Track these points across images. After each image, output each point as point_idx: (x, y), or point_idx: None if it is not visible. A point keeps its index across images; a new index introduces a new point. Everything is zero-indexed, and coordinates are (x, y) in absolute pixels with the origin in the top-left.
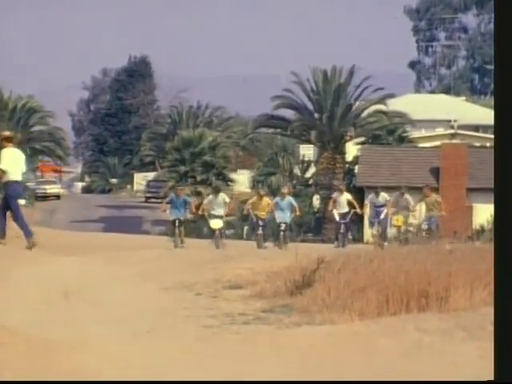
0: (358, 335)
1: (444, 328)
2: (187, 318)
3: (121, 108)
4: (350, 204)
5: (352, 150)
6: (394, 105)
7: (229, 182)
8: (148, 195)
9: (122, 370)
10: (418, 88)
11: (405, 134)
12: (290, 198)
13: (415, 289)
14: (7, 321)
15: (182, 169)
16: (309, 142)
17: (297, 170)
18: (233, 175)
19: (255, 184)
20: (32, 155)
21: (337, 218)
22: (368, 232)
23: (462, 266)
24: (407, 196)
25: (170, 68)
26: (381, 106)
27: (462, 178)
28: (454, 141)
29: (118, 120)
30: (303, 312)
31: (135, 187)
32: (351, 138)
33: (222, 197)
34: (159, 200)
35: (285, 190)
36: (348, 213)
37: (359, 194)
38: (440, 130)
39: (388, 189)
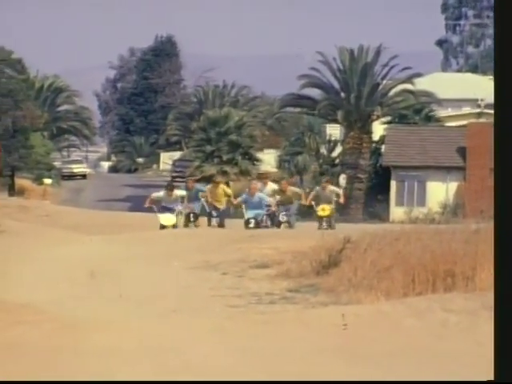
0: (384, 315)
1: (470, 308)
2: (213, 297)
3: (147, 87)
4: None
5: (378, 129)
6: (421, 84)
7: (255, 162)
8: (174, 175)
9: (147, 349)
10: (445, 67)
11: (431, 113)
12: (259, 195)
13: (441, 268)
14: (33, 299)
15: (208, 148)
16: (335, 121)
17: (323, 150)
18: (259, 155)
19: (281, 163)
20: (58, 134)
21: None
22: (394, 211)
23: (487, 245)
24: (332, 187)
25: (196, 47)
26: (408, 85)
27: (489, 158)
28: (481, 120)
29: (145, 99)
30: (329, 292)
31: (161, 166)
32: (378, 117)
33: (176, 195)
34: (185, 179)
35: (254, 185)
36: (269, 205)
37: (386, 173)
38: (467, 109)
39: (415, 168)
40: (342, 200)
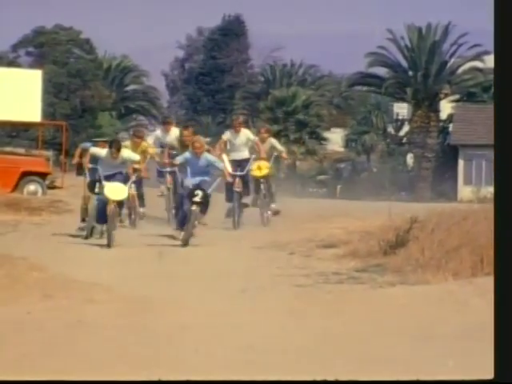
0: (451, 295)
1: None
2: (280, 277)
3: (214, 67)
4: (252, 148)
5: (446, 107)
6: (490, 61)
7: (322, 141)
8: None
9: (215, 328)
10: None
11: None
12: (208, 157)
13: None
14: (102, 278)
15: (275, 128)
16: (403, 100)
17: (390, 129)
18: (326, 134)
19: (348, 143)
20: (126, 114)
21: (229, 167)
22: (462, 190)
23: None
24: (273, 140)
25: (264, 26)
26: (476, 63)
27: None
28: None
29: (212, 79)
30: (397, 272)
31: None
32: (446, 95)
33: (123, 157)
34: None
35: (199, 142)
36: (247, 160)
37: (453, 152)
38: None
39: (483, 147)
40: (284, 155)
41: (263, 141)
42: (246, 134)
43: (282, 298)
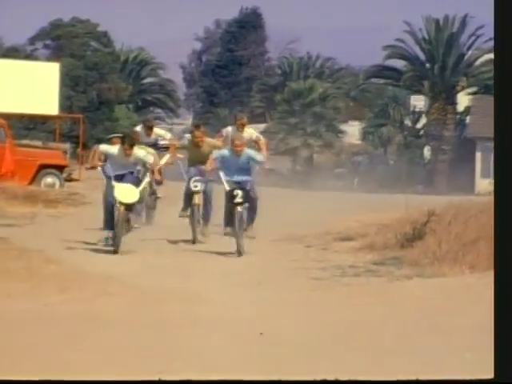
0: (468, 288)
1: None
2: (297, 270)
3: (232, 60)
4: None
5: (463, 100)
6: None
7: (339, 134)
8: None
9: (232, 321)
10: None
11: None
12: (249, 152)
13: None
14: (118, 271)
15: (292, 120)
16: (420, 92)
17: (407, 121)
18: (343, 127)
19: (365, 135)
20: (143, 107)
21: (224, 180)
22: (479, 183)
23: None
24: (251, 130)
25: (281, 19)
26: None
27: None
28: None
29: (229, 71)
30: (414, 265)
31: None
32: (463, 88)
33: (136, 156)
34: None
35: (239, 140)
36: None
37: (470, 145)
38: None
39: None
40: (263, 150)
41: (240, 131)
42: (249, 133)
43: (298, 291)
